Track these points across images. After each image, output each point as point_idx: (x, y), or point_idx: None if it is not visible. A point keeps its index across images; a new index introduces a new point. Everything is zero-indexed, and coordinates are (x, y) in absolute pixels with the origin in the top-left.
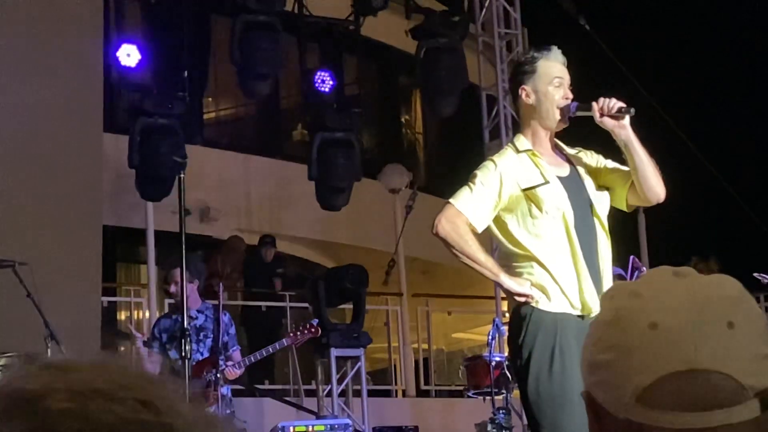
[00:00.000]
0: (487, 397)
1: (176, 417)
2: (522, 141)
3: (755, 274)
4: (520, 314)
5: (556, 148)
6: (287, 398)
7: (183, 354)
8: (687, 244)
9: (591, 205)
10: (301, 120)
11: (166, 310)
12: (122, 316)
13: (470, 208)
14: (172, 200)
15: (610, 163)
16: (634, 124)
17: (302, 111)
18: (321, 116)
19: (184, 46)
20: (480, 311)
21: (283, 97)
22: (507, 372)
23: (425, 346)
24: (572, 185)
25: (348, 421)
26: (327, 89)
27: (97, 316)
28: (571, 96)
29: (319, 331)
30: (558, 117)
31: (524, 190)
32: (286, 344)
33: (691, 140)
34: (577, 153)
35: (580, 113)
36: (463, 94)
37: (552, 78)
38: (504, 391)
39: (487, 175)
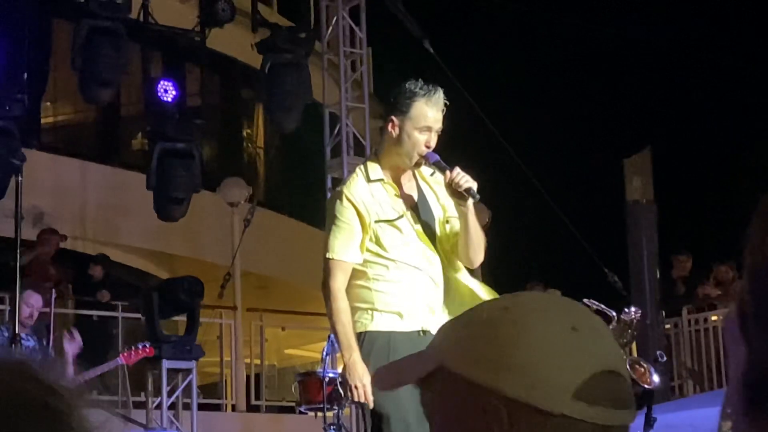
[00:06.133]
0: (319, 414)
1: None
2: (375, 169)
3: (585, 300)
4: (357, 337)
5: (411, 171)
6: (116, 409)
7: None
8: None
9: (434, 233)
10: (141, 129)
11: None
12: None
13: (346, 252)
14: (3, 204)
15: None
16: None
17: (143, 119)
18: (162, 126)
19: (24, 47)
20: (314, 328)
21: (124, 105)
22: (339, 388)
23: (257, 361)
24: (421, 211)
25: None
26: (169, 99)
27: None
28: (433, 143)
29: (153, 352)
30: (414, 160)
31: (377, 221)
32: (118, 364)
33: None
34: (432, 175)
35: (434, 168)
36: (305, 110)
37: (421, 125)
38: (336, 407)
39: (343, 212)
